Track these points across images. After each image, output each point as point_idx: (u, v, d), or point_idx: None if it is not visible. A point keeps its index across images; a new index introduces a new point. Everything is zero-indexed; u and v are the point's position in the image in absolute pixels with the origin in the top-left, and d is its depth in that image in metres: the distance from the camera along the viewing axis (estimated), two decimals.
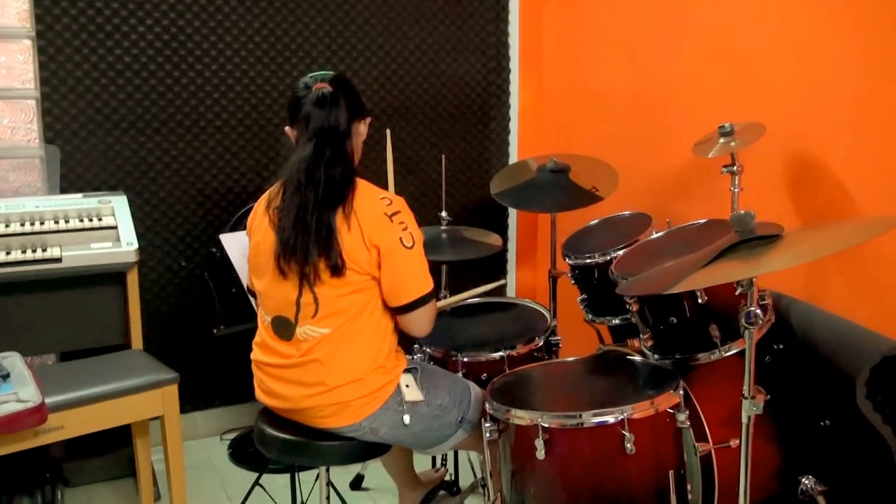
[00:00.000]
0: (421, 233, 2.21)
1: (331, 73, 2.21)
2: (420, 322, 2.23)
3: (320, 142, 2.11)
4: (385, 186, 2.48)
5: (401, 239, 2.13)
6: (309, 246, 2.08)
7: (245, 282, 2.47)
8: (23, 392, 2.31)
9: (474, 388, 2.40)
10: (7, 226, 2.77)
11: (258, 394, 2.30)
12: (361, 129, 2.25)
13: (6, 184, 3.05)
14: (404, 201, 2.22)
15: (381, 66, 3.62)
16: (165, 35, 3.17)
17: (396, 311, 2.21)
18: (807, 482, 2.21)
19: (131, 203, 3.05)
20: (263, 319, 2.26)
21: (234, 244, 2.86)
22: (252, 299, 2.44)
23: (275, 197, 2.19)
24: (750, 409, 1.92)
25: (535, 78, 3.99)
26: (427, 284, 2.20)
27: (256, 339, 2.30)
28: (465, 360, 2.60)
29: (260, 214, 2.24)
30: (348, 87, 2.21)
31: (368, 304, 2.17)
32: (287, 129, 2.24)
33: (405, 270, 2.16)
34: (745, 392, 1.92)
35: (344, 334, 2.15)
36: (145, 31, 3.14)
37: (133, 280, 2.87)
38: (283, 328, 2.19)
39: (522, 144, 4.02)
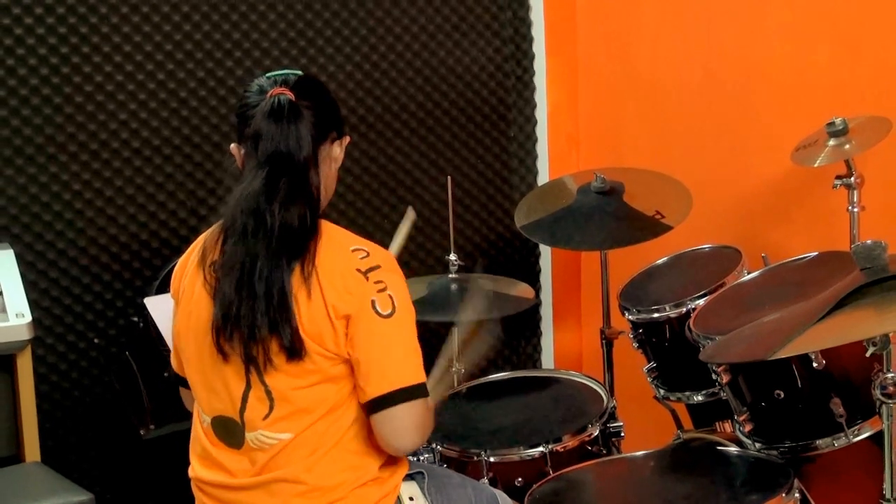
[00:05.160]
0: (410, 302, 2.16)
1: (296, 72, 2.22)
2: (400, 427, 2.10)
3: (273, 171, 2.10)
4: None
5: (373, 302, 2.08)
6: (256, 317, 2.06)
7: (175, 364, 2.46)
8: None
9: (504, 501, 2.38)
10: None
11: None
12: (336, 152, 2.24)
13: None
14: (393, 258, 2.20)
15: (356, 58, 3.65)
16: (61, 28, 3.20)
17: (367, 410, 2.12)
18: None
19: (20, 259, 3.06)
20: (202, 420, 2.24)
21: (164, 310, 2.85)
22: (184, 391, 2.41)
23: (213, 246, 2.17)
24: None
25: (569, 66, 4.02)
26: (412, 373, 2.12)
27: (194, 447, 2.29)
28: (492, 459, 2.60)
29: (191, 272, 2.23)
30: (318, 94, 2.21)
31: (346, 399, 2.13)
32: (233, 147, 2.23)
33: (378, 348, 2.09)
34: (886, 492, 1.92)
35: (318, 441, 2.12)
36: (34, 24, 3.16)
37: (25, 365, 2.86)
38: (228, 433, 2.17)
39: (555, 157, 4.05)
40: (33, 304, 3.02)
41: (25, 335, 2.82)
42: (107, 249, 3.35)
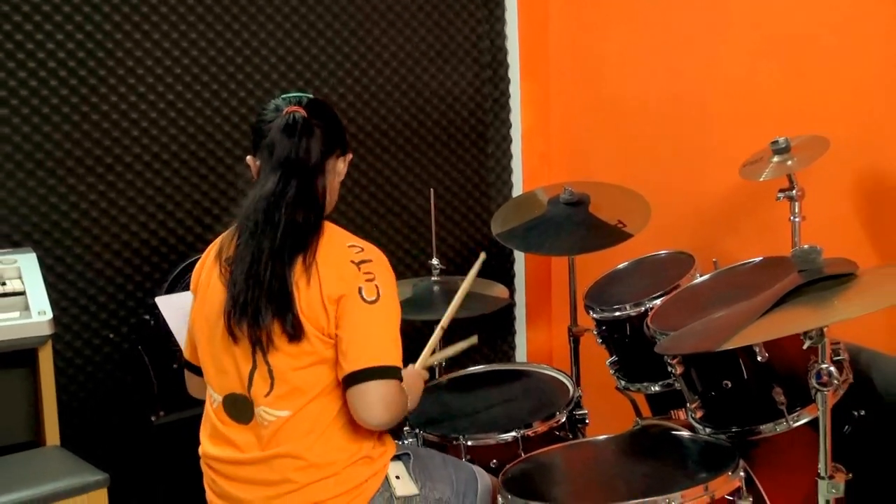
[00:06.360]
0: (396, 297, 2.23)
1: (308, 95, 2.31)
2: (370, 401, 2.13)
3: (284, 175, 2.19)
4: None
5: (360, 289, 2.16)
6: (260, 304, 2.14)
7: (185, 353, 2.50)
8: None
9: (482, 476, 2.45)
10: None
11: (210, 498, 2.32)
12: (339, 167, 2.33)
13: None
14: (384, 257, 2.27)
15: (348, 81, 3.70)
16: (80, 52, 3.23)
17: (344, 384, 2.18)
18: None
19: (41, 262, 3.07)
20: (213, 401, 2.30)
21: (174, 309, 2.87)
22: (190, 375, 2.47)
23: (228, 244, 2.25)
24: (828, 492, 1.97)
25: (541, 89, 4.08)
26: (388, 355, 2.17)
27: (205, 427, 2.34)
28: (469, 443, 2.64)
29: (209, 266, 2.30)
30: (327, 115, 2.30)
31: (338, 381, 2.19)
32: (249, 158, 2.32)
33: (359, 329, 2.15)
34: (821, 471, 1.97)
35: (313, 421, 2.18)
36: (55, 48, 3.20)
37: (46, 358, 2.87)
38: (238, 409, 2.23)
39: (528, 172, 4.10)
40: (53, 304, 3.02)
41: (47, 331, 2.83)
42: (120, 254, 3.38)
